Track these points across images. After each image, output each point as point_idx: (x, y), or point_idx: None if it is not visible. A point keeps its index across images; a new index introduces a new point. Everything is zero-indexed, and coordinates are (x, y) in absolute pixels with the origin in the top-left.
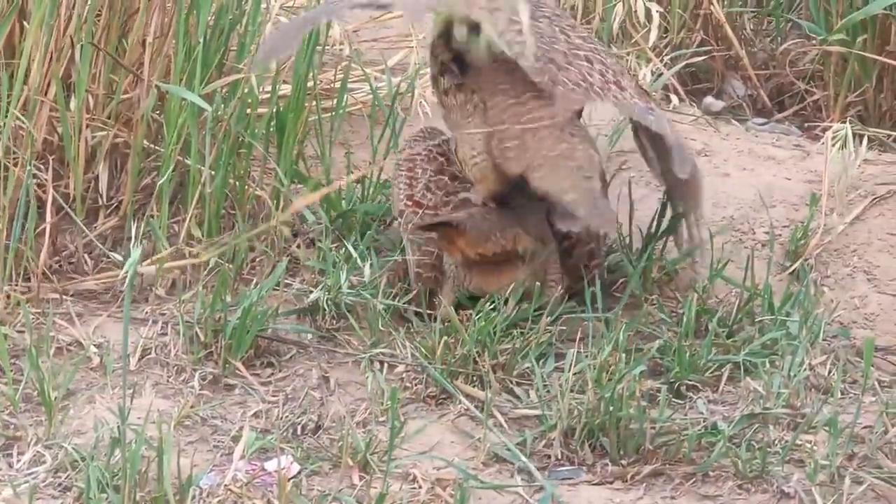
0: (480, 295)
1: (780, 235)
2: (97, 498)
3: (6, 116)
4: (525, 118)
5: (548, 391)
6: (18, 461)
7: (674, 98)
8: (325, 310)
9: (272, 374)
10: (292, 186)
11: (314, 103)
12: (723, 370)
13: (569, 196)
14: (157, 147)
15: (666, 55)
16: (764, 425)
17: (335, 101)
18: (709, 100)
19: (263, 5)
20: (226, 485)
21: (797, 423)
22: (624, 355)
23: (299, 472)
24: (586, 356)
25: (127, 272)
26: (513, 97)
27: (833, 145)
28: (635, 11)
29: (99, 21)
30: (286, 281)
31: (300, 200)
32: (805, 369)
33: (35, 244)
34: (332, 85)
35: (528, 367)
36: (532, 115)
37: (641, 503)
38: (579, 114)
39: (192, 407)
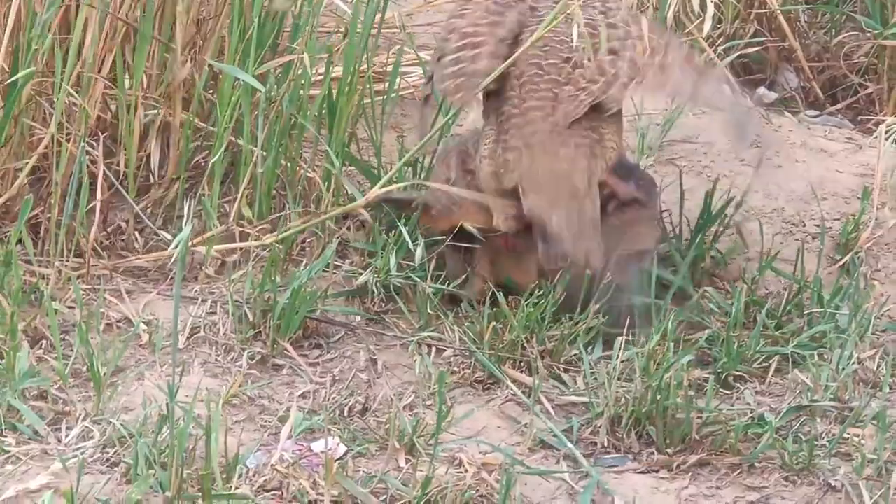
0: (514, 287)
1: (830, 228)
2: (145, 474)
3: (60, 92)
4: (525, 129)
5: (595, 378)
6: (67, 436)
7: (726, 88)
8: (373, 292)
9: (320, 355)
10: (343, 169)
11: (367, 86)
12: (771, 362)
13: (553, 226)
14: (209, 126)
15: (719, 46)
16: (811, 418)
17: (387, 84)
18: (761, 91)
19: None
20: (272, 464)
21: (845, 417)
22: (672, 345)
23: (345, 454)
24: (634, 344)
25: (177, 249)
26: (516, 106)
27: (886, 139)
28: (689, 1)
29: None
30: (335, 262)
31: (372, 192)
32: (853, 363)
33: (86, 221)
34: (385, 68)
35: (575, 354)
36: (531, 128)
37: (687, 492)
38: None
39: (239, 386)
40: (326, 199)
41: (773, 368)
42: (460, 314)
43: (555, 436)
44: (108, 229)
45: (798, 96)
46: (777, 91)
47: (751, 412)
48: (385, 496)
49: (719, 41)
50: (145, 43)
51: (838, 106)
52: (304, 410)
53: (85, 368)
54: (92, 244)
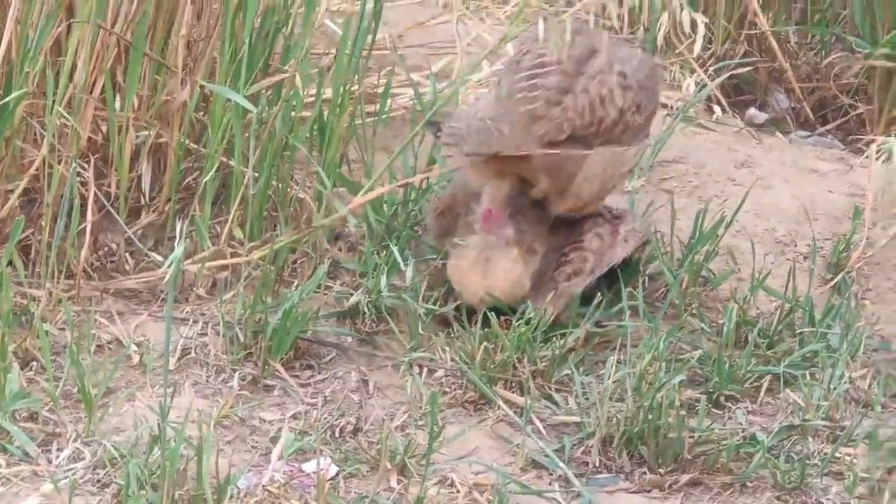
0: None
1: (822, 248)
2: (136, 495)
3: (52, 114)
4: None
5: (587, 398)
6: (58, 457)
7: (717, 109)
8: (365, 313)
9: (311, 375)
10: (335, 189)
11: (358, 107)
12: (762, 381)
13: None
14: (200, 147)
15: (710, 66)
16: (803, 437)
17: (378, 105)
18: (752, 111)
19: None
20: (264, 485)
21: (836, 436)
22: (663, 364)
23: (337, 474)
24: (625, 364)
25: (169, 270)
26: None
27: (877, 159)
28: (680, 22)
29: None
30: (327, 283)
31: (356, 200)
32: (845, 382)
33: (77, 242)
34: (375, 89)
35: (567, 374)
36: None
37: None
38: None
39: (231, 407)
40: (317, 219)
41: (764, 388)
42: (452, 335)
43: (546, 456)
44: (99, 251)
45: (789, 117)
46: (768, 111)
47: (743, 431)
48: None
49: (710, 62)
50: (137, 64)
51: (829, 126)
52: (296, 431)
53: (76, 390)
54: (83, 266)
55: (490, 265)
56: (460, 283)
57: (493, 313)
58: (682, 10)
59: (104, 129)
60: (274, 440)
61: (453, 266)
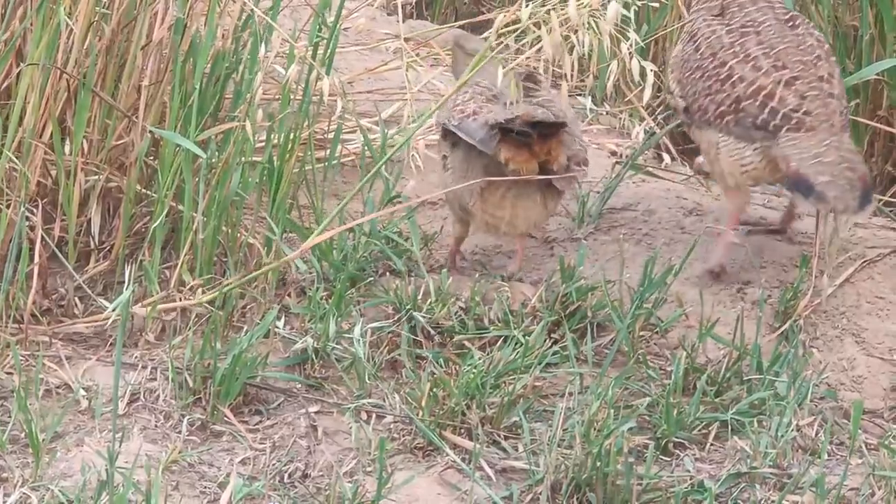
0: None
1: (769, 296)
2: None
3: (0, 158)
4: None
5: (536, 444)
6: (5, 502)
7: (666, 157)
8: (313, 359)
9: (260, 421)
10: (284, 235)
11: (307, 153)
12: (710, 428)
13: None
14: (149, 192)
15: (659, 114)
16: (751, 484)
17: (328, 151)
18: (700, 160)
19: (259, 54)
20: None
21: (784, 484)
22: (612, 411)
23: None
24: (574, 411)
25: (117, 314)
26: None
27: None
28: (629, 70)
29: (95, 65)
30: (276, 329)
31: (305, 244)
32: (792, 430)
33: (26, 286)
34: (326, 135)
35: (516, 421)
36: None
37: None
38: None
39: (179, 452)
40: (267, 265)
41: (712, 435)
42: (400, 380)
43: (495, 503)
44: (49, 295)
45: None
46: None
47: (690, 479)
48: None
49: (659, 110)
50: (85, 108)
51: None
52: (244, 477)
53: (23, 435)
54: (30, 310)
55: None
56: None
57: (440, 359)
58: (631, 58)
59: (54, 173)
60: (222, 486)
61: None
